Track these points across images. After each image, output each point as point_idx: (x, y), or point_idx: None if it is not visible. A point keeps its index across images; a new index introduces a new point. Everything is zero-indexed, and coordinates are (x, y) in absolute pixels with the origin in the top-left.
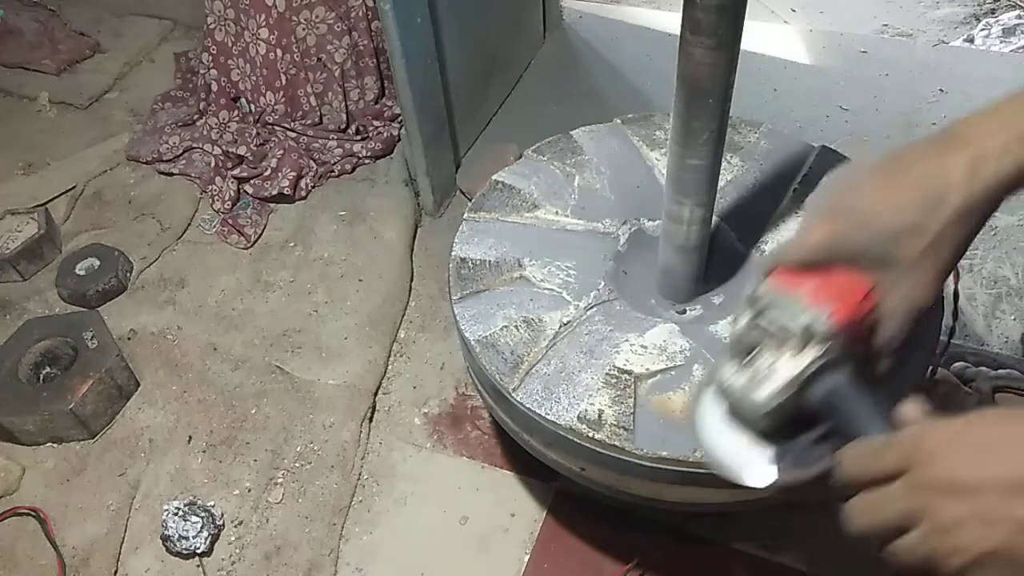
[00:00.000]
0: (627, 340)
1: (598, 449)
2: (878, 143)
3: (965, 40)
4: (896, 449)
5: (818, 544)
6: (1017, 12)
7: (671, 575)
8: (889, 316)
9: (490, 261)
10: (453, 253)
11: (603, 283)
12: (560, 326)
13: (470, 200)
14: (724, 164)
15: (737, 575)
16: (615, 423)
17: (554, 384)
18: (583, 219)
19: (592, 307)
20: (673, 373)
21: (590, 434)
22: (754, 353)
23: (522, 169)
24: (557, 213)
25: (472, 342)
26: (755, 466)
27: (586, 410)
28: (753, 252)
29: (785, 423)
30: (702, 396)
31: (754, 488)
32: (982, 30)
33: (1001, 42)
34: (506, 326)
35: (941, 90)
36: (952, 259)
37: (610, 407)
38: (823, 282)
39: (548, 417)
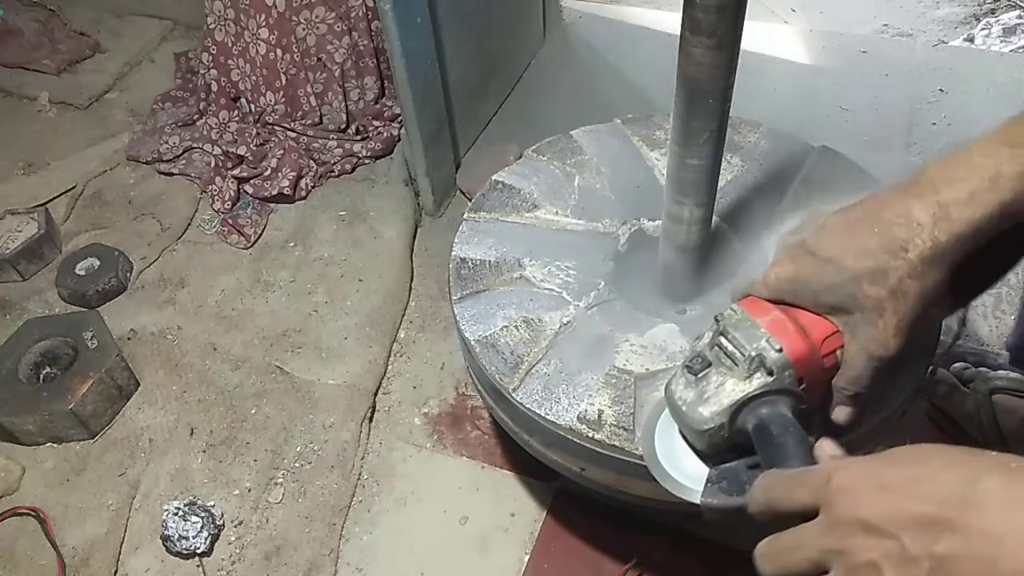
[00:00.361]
0: (627, 340)
1: (598, 449)
2: (878, 143)
3: (965, 40)
4: (807, 483)
5: None
6: (1017, 12)
7: (670, 575)
8: (848, 364)
9: (490, 261)
10: (453, 253)
11: (603, 283)
12: (560, 326)
13: (470, 200)
14: (724, 164)
15: (735, 574)
16: (615, 423)
17: (554, 384)
18: (583, 219)
19: (592, 307)
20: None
21: (590, 434)
22: (707, 371)
23: (522, 169)
24: (557, 213)
25: (472, 342)
26: (687, 481)
27: (586, 410)
28: (754, 252)
29: (726, 447)
30: (658, 402)
31: (683, 502)
32: (982, 30)
33: (1001, 42)
34: (506, 326)
35: (941, 90)
36: (916, 310)
37: (610, 407)
38: (788, 317)
39: (548, 417)
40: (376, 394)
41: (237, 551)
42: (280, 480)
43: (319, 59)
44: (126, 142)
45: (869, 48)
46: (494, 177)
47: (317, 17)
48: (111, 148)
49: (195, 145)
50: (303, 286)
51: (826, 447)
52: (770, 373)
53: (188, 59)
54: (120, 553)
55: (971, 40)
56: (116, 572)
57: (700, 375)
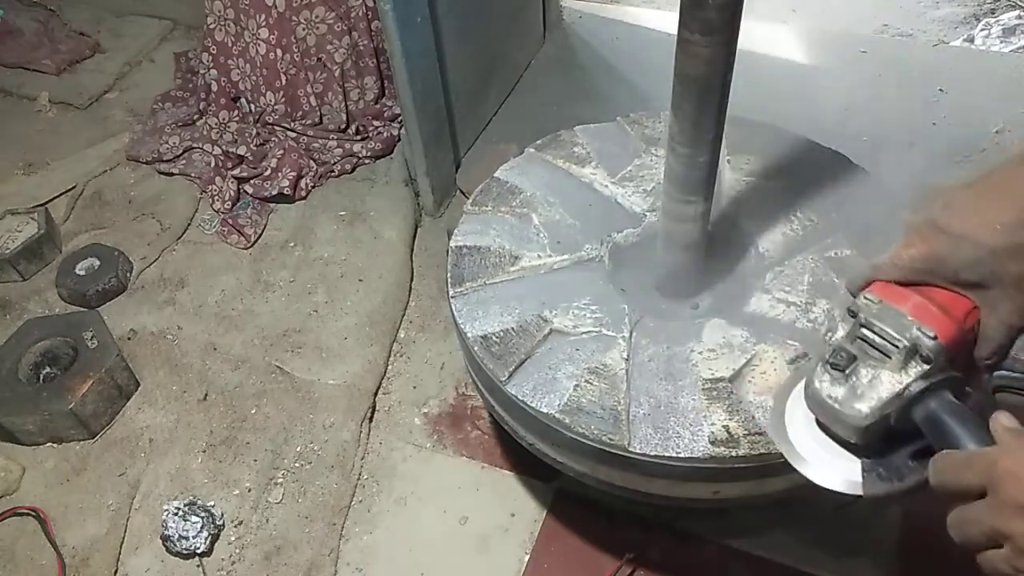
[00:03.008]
0: (692, 350)
1: (740, 465)
2: (878, 143)
3: (965, 40)
4: (975, 467)
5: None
6: (1017, 12)
7: (669, 573)
8: (988, 336)
9: (509, 330)
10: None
11: (626, 307)
12: (624, 362)
13: (468, 198)
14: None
15: (734, 573)
16: (745, 432)
17: (663, 420)
18: (565, 253)
19: (634, 332)
20: (756, 363)
21: (728, 454)
22: (854, 365)
23: (472, 227)
24: (539, 256)
25: (554, 415)
26: (842, 473)
27: (714, 433)
28: (757, 237)
29: (882, 437)
30: (788, 400)
31: (840, 493)
32: (982, 30)
33: (1001, 42)
34: (576, 383)
35: (941, 90)
36: None
37: (731, 420)
38: (927, 299)
39: (680, 455)
40: (376, 394)
41: (237, 551)
42: (280, 480)
43: (319, 59)
44: (126, 142)
45: (869, 48)
46: (457, 244)
47: (317, 17)
48: (111, 148)
49: (195, 145)
50: (303, 286)
51: (1002, 419)
52: (927, 361)
53: (188, 59)
54: (120, 553)
55: (971, 40)
56: (116, 572)
57: (848, 371)
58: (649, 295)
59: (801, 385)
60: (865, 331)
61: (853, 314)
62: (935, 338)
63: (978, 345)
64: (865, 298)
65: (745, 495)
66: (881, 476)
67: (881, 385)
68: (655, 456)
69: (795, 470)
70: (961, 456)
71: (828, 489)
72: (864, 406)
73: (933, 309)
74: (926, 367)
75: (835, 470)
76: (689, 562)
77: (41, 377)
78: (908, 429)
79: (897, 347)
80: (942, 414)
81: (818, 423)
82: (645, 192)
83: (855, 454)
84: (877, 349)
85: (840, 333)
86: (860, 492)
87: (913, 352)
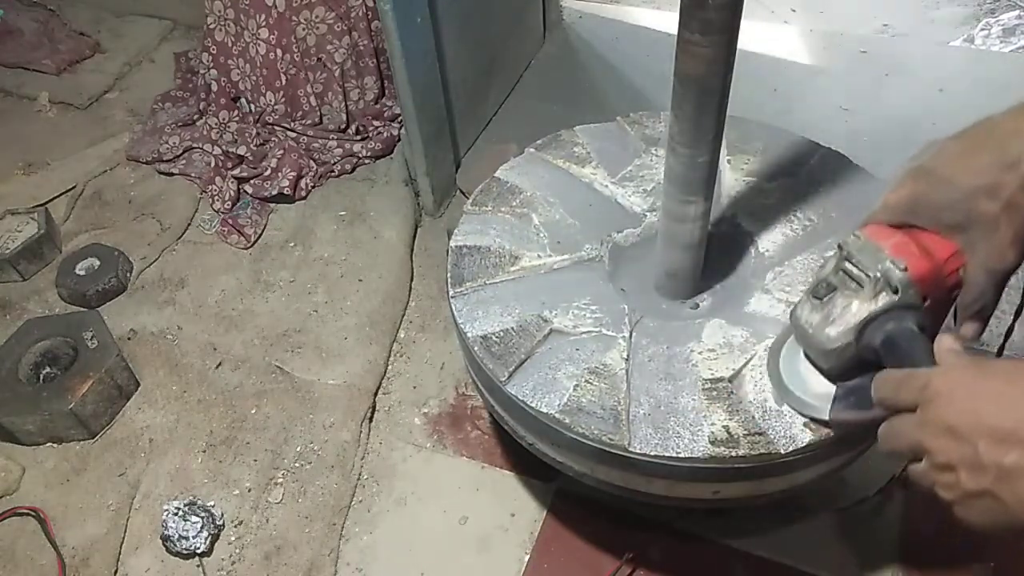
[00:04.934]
0: (691, 350)
1: (739, 465)
2: (878, 143)
3: (965, 40)
4: (911, 384)
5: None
6: (1017, 12)
7: (669, 573)
8: (969, 281)
9: (509, 330)
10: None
11: (626, 307)
12: (624, 362)
13: (468, 198)
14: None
15: (734, 573)
16: (746, 432)
17: (663, 420)
18: (565, 253)
19: (633, 332)
20: (756, 363)
21: (728, 454)
22: (832, 295)
23: (472, 227)
24: (539, 256)
25: (554, 414)
26: (816, 400)
27: (714, 433)
28: (757, 235)
29: (853, 365)
30: (781, 333)
31: (816, 420)
32: (982, 30)
33: (1001, 42)
34: (576, 382)
35: (941, 90)
36: None
37: (731, 420)
38: (909, 238)
39: (680, 455)
40: (376, 394)
41: (237, 551)
42: (280, 480)
43: (319, 59)
44: (126, 142)
45: (869, 48)
46: (455, 244)
47: (317, 17)
48: (111, 148)
49: (195, 145)
50: (303, 286)
51: (944, 342)
52: (895, 291)
53: (188, 59)
54: (120, 553)
55: (971, 40)
56: (116, 572)
57: (825, 299)
58: (649, 295)
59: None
60: (846, 263)
61: (841, 248)
62: (905, 270)
63: (962, 292)
64: (853, 235)
65: (745, 495)
66: (850, 404)
67: (850, 313)
68: (655, 456)
69: (794, 472)
70: (899, 374)
71: (801, 413)
72: (833, 330)
73: (912, 247)
74: (894, 297)
75: (811, 397)
76: (689, 562)
77: (41, 377)
78: (876, 358)
79: (869, 277)
80: (897, 338)
81: (806, 355)
82: (645, 192)
83: (833, 383)
84: (854, 280)
85: (827, 267)
86: (826, 416)
87: (884, 282)
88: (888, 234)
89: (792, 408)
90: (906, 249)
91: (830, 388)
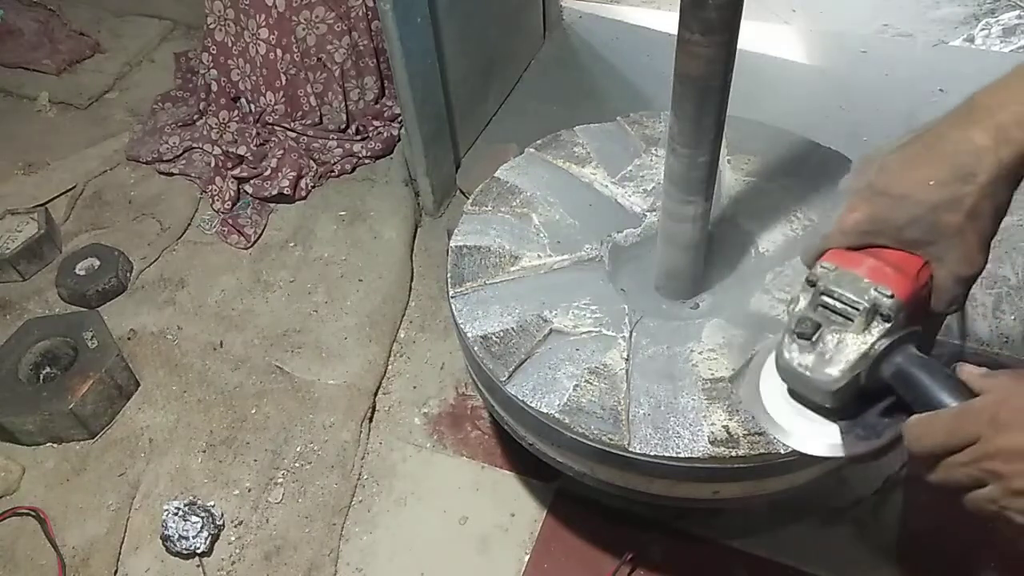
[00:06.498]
0: (692, 350)
1: (739, 465)
2: (878, 143)
3: (965, 40)
4: (970, 420)
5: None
6: (1017, 12)
7: (669, 573)
8: (941, 288)
9: (509, 330)
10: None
11: (626, 307)
12: (624, 362)
13: (468, 197)
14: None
15: (734, 573)
16: (744, 433)
17: (663, 420)
18: (565, 253)
19: (633, 332)
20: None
21: (729, 453)
22: (819, 332)
23: (472, 227)
24: (539, 256)
25: (554, 414)
26: (822, 439)
27: (714, 432)
28: (758, 236)
29: (853, 398)
30: (759, 373)
31: (822, 458)
32: (982, 30)
33: (1001, 42)
34: (576, 383)
35: (941, 90)
36: (992, 225)
37: (731, 420)
38: (881, 260)
39: (680, 455)
40: (376, 394)
41: (237, 551)
42: (280, 480)
43: (319, 59)
44: (126, 142)
45: (869, 48)
46: (454, 244)
47: (317, 17)
48: (111, 148)
49: (195, 145)
50: (303, 286)
51: (970, 370)
52: (887, 320)
53: (188, 59)
54: (120, 553)
55: (971, 40)
56: (116, 572)
57: (814, 338)
58: (649, 295)
59: (770, 360)
60: (826, 298)
61: (812, 283)
62: (892, 296)
63: (933, 298)
64: (822, 267)
65: (745, 495)
66: (859, 436)
67: (847, 348)
68: (655, 456)
69: (794, 472)
70: (950, 414)
71: (812, 455)
72: (834, 370)
73: (888, 269)
74: (887, 325)
75: (816, 437)
76: (689, 562)
77: (41, 377)
78: (877, 387)
79: (858, 309)
80: (910, 368)
81: (791, 393)
82: (645, 192)
83: (831, 419)
84: (839, 314)
85: (802, 303)
86: (842, 454)
87: (874, 312)
88: (856, 259)
89: (803, 452)
90: (883, 273)
91: (826, 423)
